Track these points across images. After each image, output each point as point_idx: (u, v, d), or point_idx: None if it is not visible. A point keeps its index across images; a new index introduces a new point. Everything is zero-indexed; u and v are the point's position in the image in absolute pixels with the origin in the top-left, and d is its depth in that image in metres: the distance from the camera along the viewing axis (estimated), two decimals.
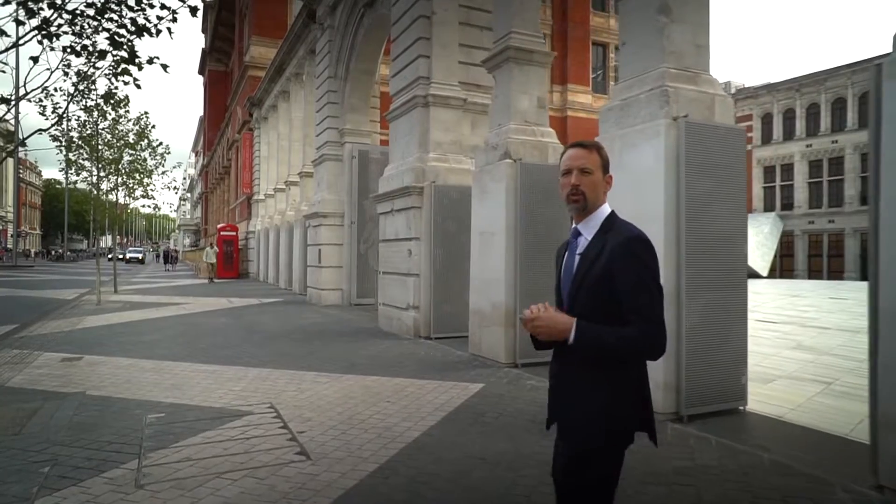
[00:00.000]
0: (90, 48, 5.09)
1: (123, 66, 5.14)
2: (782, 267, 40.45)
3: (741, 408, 5.05)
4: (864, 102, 38.49)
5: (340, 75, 15.33)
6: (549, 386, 2.01)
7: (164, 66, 5.59)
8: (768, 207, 42.54)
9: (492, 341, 7.36)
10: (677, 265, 4.82)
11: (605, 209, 1.89)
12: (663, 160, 4.83)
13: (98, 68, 5.45)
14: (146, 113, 16.72)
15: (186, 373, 6.77)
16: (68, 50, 5.04)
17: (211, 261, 25.62)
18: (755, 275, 34.98)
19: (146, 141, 17.32)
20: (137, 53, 5.08)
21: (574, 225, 1.94)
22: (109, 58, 5.07)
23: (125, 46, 5.00)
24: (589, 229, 1.88)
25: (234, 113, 37.71)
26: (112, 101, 5.20)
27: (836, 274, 37.83)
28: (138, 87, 5.41)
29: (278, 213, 23.82)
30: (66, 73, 5.79)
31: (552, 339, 1.81)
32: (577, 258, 1.88)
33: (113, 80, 5.30)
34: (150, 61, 5.43)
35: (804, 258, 40.83)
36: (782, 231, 40.85)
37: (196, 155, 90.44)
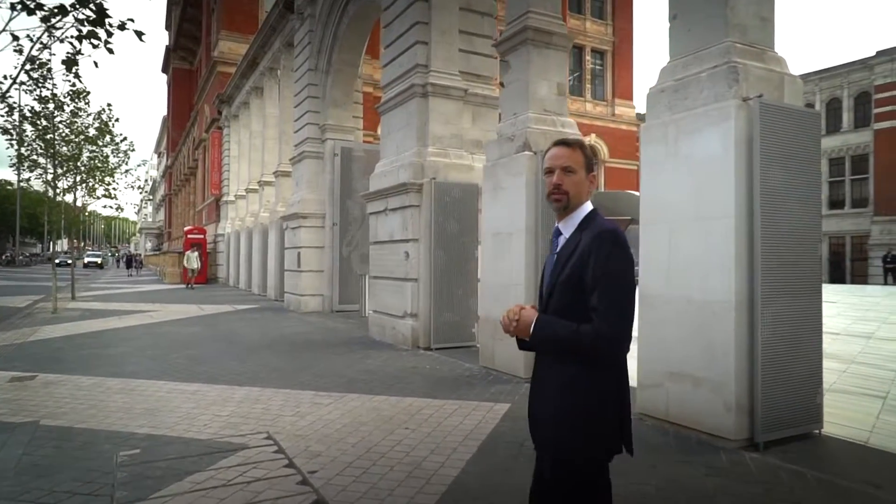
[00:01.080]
0: (45, 6, 4.17)
1: (90, 28, 4.25)
2: None
3: (816, 431, 4.43)
4: (831, 108, 39.34)
5: (322, 68, 14.43)
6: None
7: (139, 34, 4.70)
8: None
9: (509, 354, 6.61)
10: (750, 269, 4.18)
11: (586, 208, 1.85)
12: (733, 147, 4.18)
13: (57, 28, 4.50)
14: (109, 105, 15.44)
15: (162, 394, 5.84)
16: (18, 7, 4.13)
17: (192, 266, 24.17)
18: None
19: (109, 136, 16.05)
20: (108, 12, 4.19)
21: (556, 224, 1.91)
22: (71, 18, 4.18)
23: (91, 4, 4.11)
24: (568, 228, 1.84)
25: (202, 111, 36.19)
26: (74, 71, 4.24)
27: None
28: (110, 51, 4.49)
29: (251, 214, 22.66)
30: (15, 39, 4.83)
31: (522, 336, 1.81)
32: (554, 258, 1.86)
33: (76, 44, 4.38)
34: (122, 26, 4.53)
35: None
36: None
37: (159, 156, 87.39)
